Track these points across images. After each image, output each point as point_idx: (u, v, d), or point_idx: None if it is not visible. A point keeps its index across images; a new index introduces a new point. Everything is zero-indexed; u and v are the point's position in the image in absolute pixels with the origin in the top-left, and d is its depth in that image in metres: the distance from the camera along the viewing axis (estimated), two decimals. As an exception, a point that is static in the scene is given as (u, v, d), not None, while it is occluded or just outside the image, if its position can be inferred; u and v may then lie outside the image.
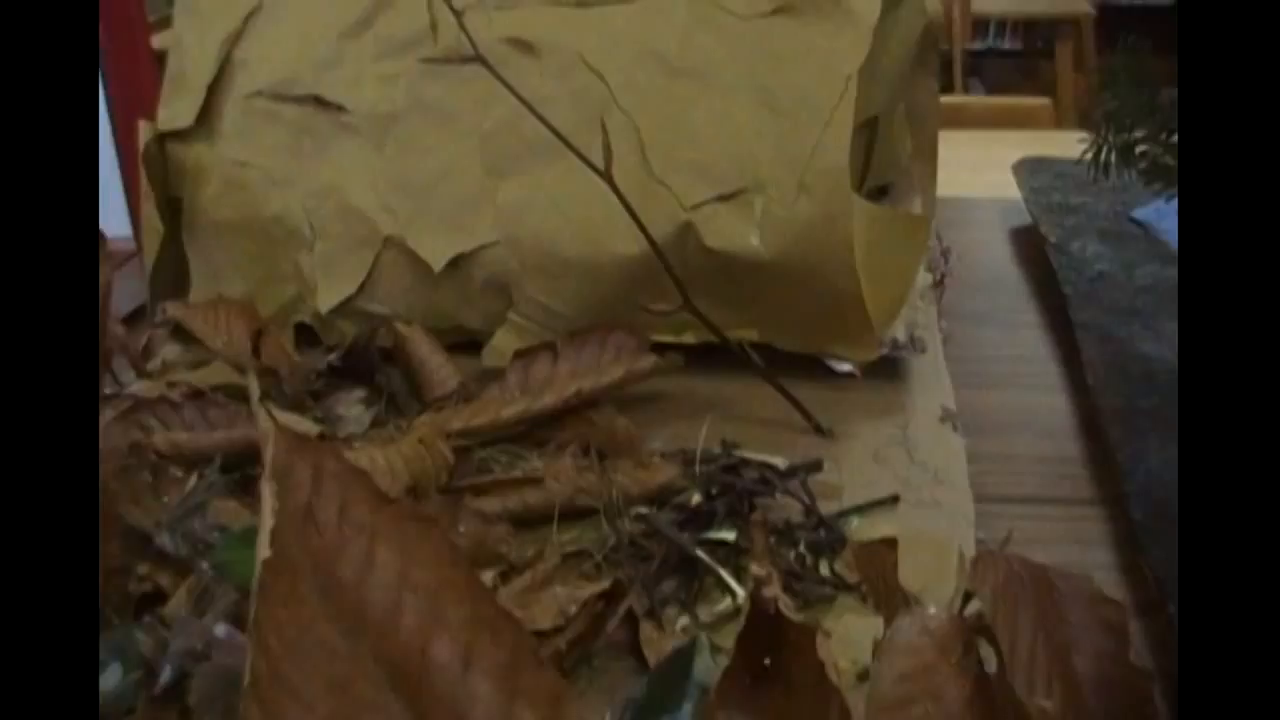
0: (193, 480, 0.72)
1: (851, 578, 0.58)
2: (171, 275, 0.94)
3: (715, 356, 0.79)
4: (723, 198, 0.78)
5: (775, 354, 0.82)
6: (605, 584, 0.59)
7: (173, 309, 0.90)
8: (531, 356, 0.80)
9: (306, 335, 0.91)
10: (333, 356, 0.82)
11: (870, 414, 0.79)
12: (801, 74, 0.79)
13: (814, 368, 0.82)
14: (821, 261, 0.77)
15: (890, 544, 0.55)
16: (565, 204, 0.81)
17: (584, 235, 0.81)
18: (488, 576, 0.62)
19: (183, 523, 0.67)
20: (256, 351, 0.85)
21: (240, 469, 0.72)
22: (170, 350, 0.91)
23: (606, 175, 0.73)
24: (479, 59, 0.73)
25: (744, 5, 0.80)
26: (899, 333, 0.83)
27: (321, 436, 0.77)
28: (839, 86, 0.77)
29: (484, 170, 0.83)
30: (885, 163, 0.95)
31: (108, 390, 0.85)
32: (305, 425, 0.77)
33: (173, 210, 0.93)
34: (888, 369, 0.82)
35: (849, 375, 0.82)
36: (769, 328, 0.82)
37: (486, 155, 0.83)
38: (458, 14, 0.77)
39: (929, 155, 0.99)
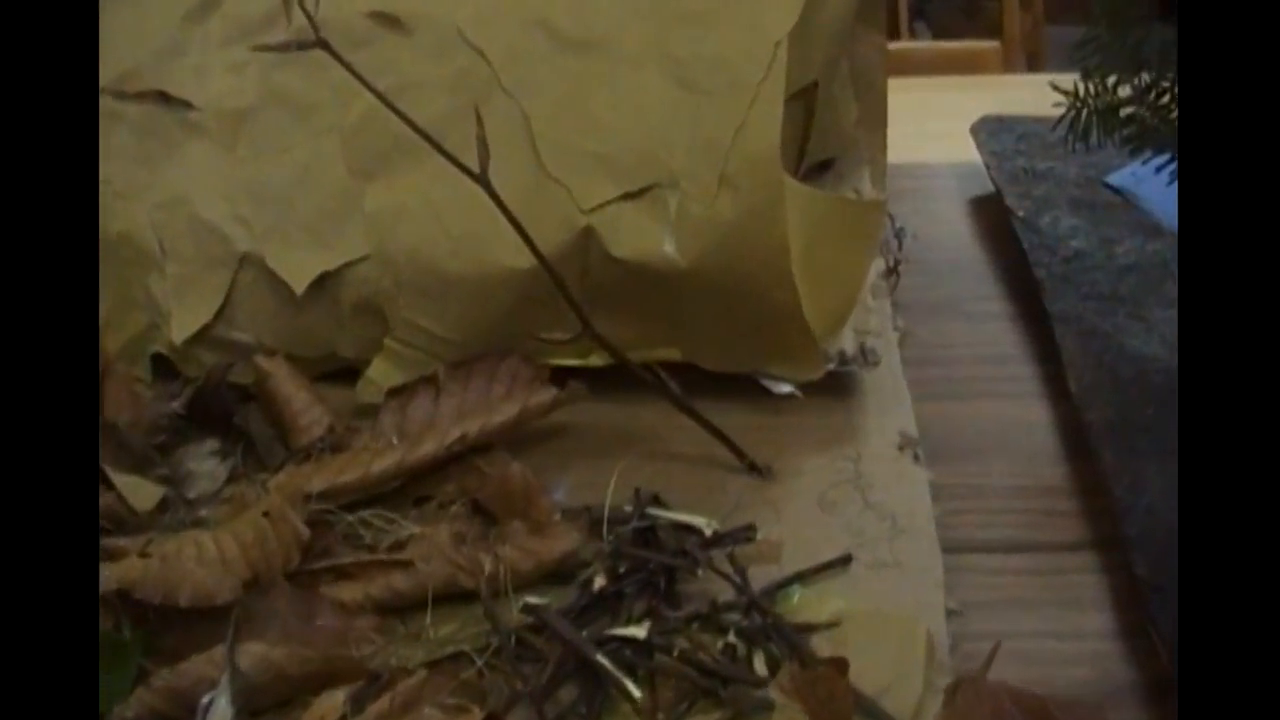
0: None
1: (790, 707, 0.45)
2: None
3: (629, 380, 0.67)
4: (629, 195, 0.66)
5: (702, 375, 0.69)
6: (481, 716, 0.46)
7: (6, 345, 0.77)
8: (409, 394, 0.68)
9: (165, 367, 0.78)
10: (177, 403, 0.70)
11: (816, 445, 0.67)
12: (720, 41, 0.66)
13: (748, 389, 0.70)
14: (750, 269, 0.65)
15: (839, 666, 0.43)
16: (443, 210, 0.69)
17: (467, 247, 0.68)
18: (339, 698, 0.49)
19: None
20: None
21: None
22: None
23: (481, 178, 0.60)
24: (322, 44, 0.60)
25: (646, -42, 0.67)
26: (847, 343, 0.71)
27: (166, 500, 0.65)
28: (766, 54, 0.65)
29: (348, 171, 0.70)
30: (826, 134, 0.82)
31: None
32: (149, 489, 0.65)
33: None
34: (835, 387, 0.70)
35: (789, 397, 0.69)
36: (692, 345, 0.69)
37: (350, 154, 0.71)
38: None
39: (878, 121, 0.87)
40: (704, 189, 0.64)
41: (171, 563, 0.54)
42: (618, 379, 0.67)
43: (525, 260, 0.66)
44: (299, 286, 0.71)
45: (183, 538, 0.56)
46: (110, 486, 0.66)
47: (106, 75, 0.75)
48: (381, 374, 0.71)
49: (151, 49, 0.75)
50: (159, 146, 0.75)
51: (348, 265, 0.70)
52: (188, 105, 0.74)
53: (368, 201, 0.70)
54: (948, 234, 0.92)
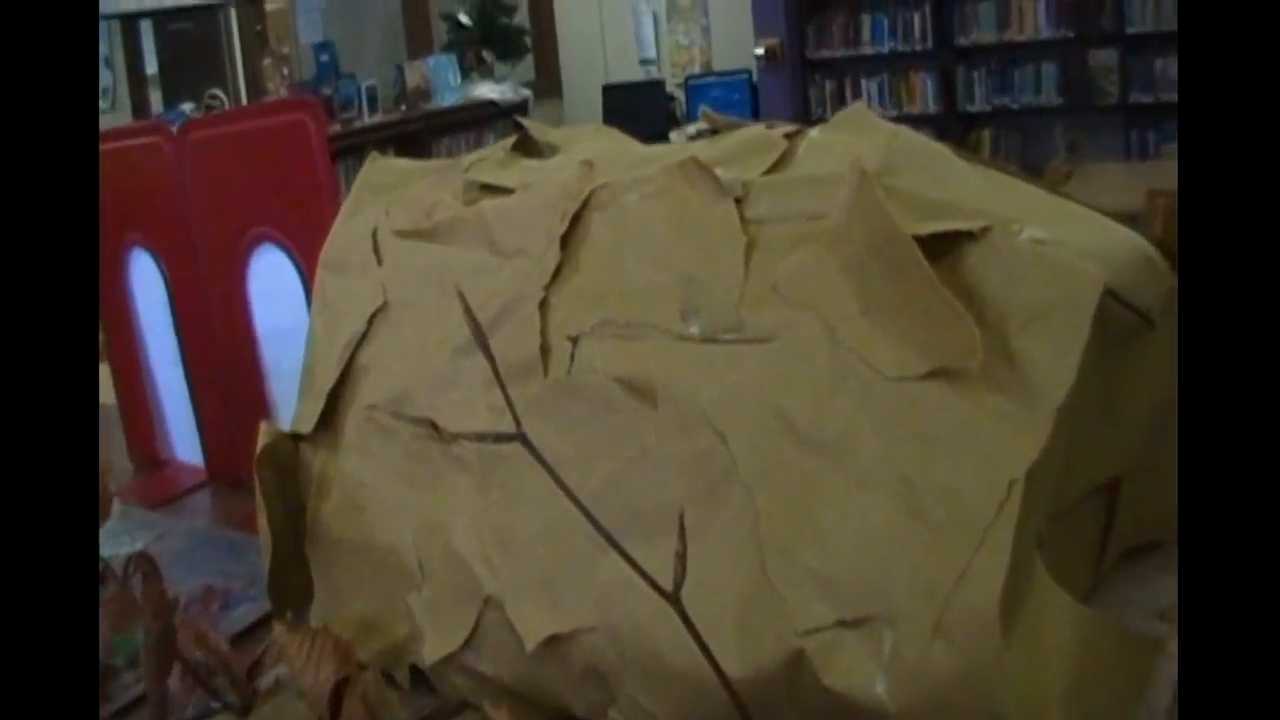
0: None
1: None
2: (295, 584, 0.84)
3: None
4: (845, 624, 0.60)
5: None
6: None
7: (278, 632, 0.79)
8: (609, 786, 0.65)
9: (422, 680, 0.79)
10: (393, 736, 0.69)
11: None
12: (954, 469, 0.59)
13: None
14: (963, 730, 0.57)
15: None
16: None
17: (688, 641, 0.64)
18: None
19: None
20: (336, 705, 0.73)
21: None
22: (286, 669, 0.81)
23: (672, 597, 0.57)
24: (520, 439, 0.58)
25: (894, 363, 0.61)
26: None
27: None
28: (999, 493, 0.57)
29: (586, 537, 0.68)
30: (1147, 517, 0.73)
31: (190, 712, 0.79)
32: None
33: (298, 514, 0.83)
34: None
35: None
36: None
37: (588, 520, 0.68)
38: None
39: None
40: (919, 633, 0.57)
41: None
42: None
43: (739, 670, 0.61)
44: (530, 643, 0.69)
45: None
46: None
47: (383, 392, 0.77)
48: (605, 745, 0.68)
49: (426, 375, 0.75)
50: (425, 472, 0.75)
51: (577, 632, 0.68)
52: (455, 438, 0.74)
53: (601, 572, 0.67)
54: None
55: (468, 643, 0.74)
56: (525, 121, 0.90)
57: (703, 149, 0.75)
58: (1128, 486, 0.70)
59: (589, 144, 0.85)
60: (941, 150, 0.72)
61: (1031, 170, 0.74)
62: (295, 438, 0.83)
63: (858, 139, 0.73)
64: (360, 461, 0.79)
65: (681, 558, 0.56)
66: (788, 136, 0.75)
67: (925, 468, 0.59)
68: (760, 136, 0.76)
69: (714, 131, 0.81)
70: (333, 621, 0.81)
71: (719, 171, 0.70)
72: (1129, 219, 0.72)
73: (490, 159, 0.83)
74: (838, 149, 0.72)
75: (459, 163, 0.82)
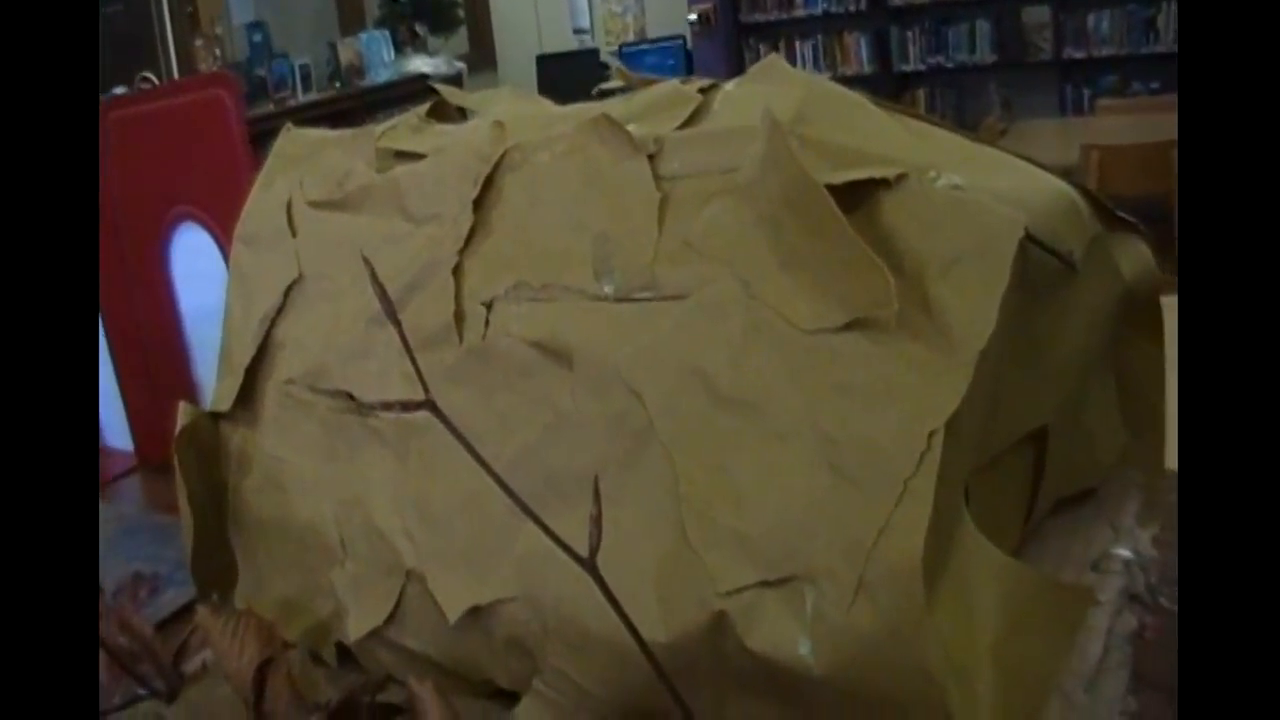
0: None
1: None
2: (219, 565, 0.82)
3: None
4: (768, 584, 0.58)
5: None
6: None
7: (201, 615, 0.77)
8: (538, 754, 0.63)
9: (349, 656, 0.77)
10: (316, 717, 0.68)
11: None
12: (872, 420, 0.58)
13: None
14: (889, 688, 0.56)
15: None
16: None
17: (607, 609, 0.62)
18: None
19: None
20: (260, 686, 0.71)
21: None
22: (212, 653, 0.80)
23: (589, 563, 0.55)
24: (430, 406, 0.56)
25: (809, 315, 0.60)
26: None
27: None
28: (919, 444, 0.56)
29: (503, 506, 0.66)
30: (1076, 468, 0.72)
31: (118, 699, 0.77)
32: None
33: (220, 494, 0.81)
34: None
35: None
36: (844, 745, 0.61)
37: (506, 489, 0.67)
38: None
39: (1153, 433, 0.76)
40: (842, 591, 0.56)
41: None
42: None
43: (660, 634, 0.60)
44: (451, 615, 0.68)
45: None
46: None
47: (299, 366, 0.75)
48: (530, 716, 0.67)
49: (342, 346, 0.74)
50: (343, 445, 0.73)
51: (498, 603, 0.67)
52: (371, 410, 0.72)
53: (520, 542, 0.66)
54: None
55: (391, 618, 0.72)
56: (440, 86, 0.88)
57: (616, 106, 0.74)
58: (1055, 436, 0.69)
59: (503, 106, 0.83)
60: (858, 99, 0.71)
61: (967, 128, 0.72)
62: (215, 416, 0.81)
63: (773, 90, 0.71)
64: (279, 438, 0.77)
65: (596, 521, 0.55)
66: (702, 91, 0.74)
67: (844, 421, 0.58)
68: (674, 92, 0.74)
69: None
70: (257, 602, 0.80)
71: (632, 128, 0.69)
72: (1064, 173, 0.71)
73: (404, 125, 0.81)
74: (753, 101, 0.70)
75: (372, 130, 0.81)
